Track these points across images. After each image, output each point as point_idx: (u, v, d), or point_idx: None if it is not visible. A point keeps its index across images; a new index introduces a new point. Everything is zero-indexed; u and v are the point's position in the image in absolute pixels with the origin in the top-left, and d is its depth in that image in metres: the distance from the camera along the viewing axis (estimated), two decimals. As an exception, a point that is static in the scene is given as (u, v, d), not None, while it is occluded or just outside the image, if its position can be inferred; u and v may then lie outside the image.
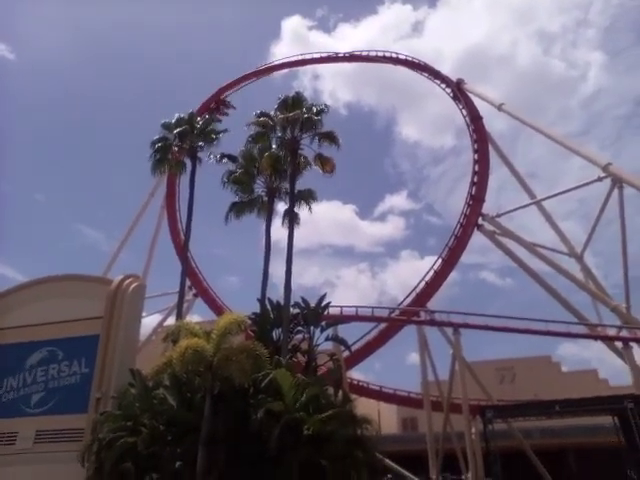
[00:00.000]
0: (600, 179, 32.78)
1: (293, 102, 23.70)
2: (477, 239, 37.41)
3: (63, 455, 15.87)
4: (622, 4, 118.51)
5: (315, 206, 24.03)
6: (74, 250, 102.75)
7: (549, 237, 39.15)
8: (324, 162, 23.00)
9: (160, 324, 35.28)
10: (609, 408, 25.79)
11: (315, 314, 22.38)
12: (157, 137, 25.19)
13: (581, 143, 37.07)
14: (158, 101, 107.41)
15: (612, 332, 31.71)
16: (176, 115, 25.93)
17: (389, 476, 23.95)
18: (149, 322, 39.11)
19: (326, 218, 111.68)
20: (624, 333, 30.95)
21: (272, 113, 23.95)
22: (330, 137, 23.02)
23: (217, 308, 36.08)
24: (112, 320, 18.10)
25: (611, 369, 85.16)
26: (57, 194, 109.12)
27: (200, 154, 25.16)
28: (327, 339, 23.22)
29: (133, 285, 19.25)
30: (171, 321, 27.77)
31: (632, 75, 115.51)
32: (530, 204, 38.87)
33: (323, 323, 22.74)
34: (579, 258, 36.83)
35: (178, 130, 24.95)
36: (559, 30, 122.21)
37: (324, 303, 23.22)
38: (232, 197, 24.40)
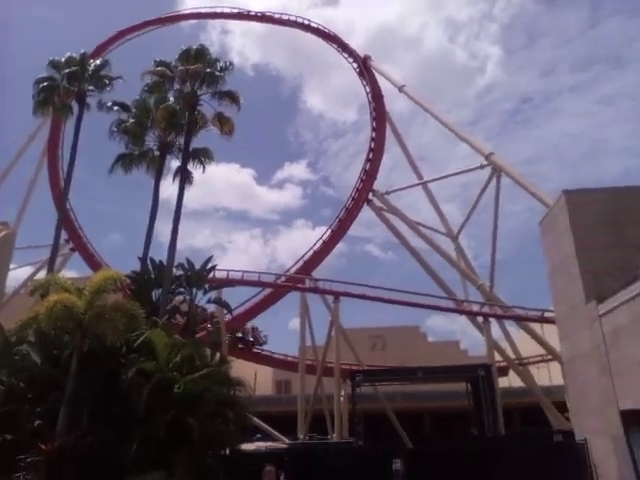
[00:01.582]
0: (482, 167, 35.42)
1: (196, 54, 22.77)
2: (366, 214, 39.18)
3: None
4: (522, 4, 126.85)
5: (211, 167, 23.57)
6: None
7: (431, 217, 42.01)
8: (223, 122, 22.49)
9: (31, 277, 32.85)
10: (464, 376, 28.55)
11: (199, 276, 22.29)
12: (43, 76, 23.09)
13: (470, 132, 39.62)
14: (56, 37, 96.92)
15: (475, 308, 35.09)
16: (67, 54, 23.85)
17: (258, 435, 24.95)
18: (20, 274, 36.38)
19: (223, 180, 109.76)
20: (485, 309, 34.41)
21: (173, 64, 22.88)
22: (232, 96, 22.48)
23: (95, 265, 34.40)
24: (-28, 268, 16.69)
25: (472, 341, 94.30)
26: None
27: (90, 100, 23.51)
28: (209, 302, 23.31)
29: (1, 233, 17.84)
30: (43, 275, 26.03)
31: (521, 74, 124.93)
32: (417, 185, 41.22)
33: (207, 286, 22.73)
34: (454, 238, 40.05)
35: (67, 71, 23.08)
36: (466, 20, 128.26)
37: (210, 266, 23.16)
38: (121, 149, 23.19)
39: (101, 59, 26.30)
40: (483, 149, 35.78)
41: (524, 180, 32.11)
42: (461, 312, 35.62)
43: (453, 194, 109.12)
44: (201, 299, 22.26)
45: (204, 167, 23.26)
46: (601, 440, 17.01)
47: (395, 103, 69.32)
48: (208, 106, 22.61)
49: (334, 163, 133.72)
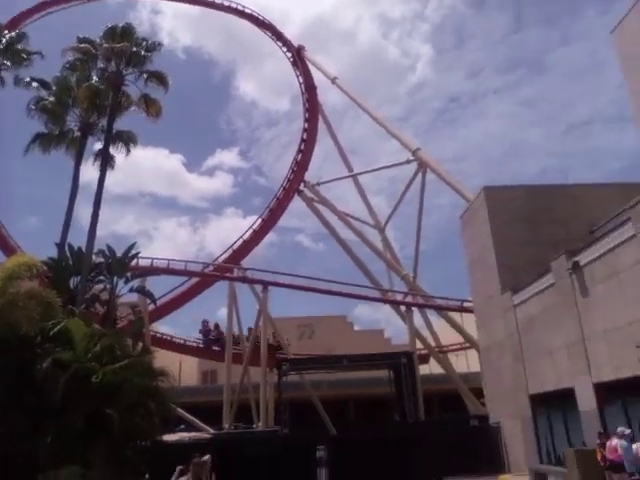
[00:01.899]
0: (409, 162, 36.61)
1: (122, 33, 21.77)
2: (297, 204, 39.36)
3: None
4: (453, 6, 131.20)
5: (138, 151, 22.84)
6: None
7: (360, 209, 42.88)
8: (150, 104, 21.65)
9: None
10: (387, 363, 29.52)
11: (121, 264, 21.43)
12: None
13: (400, 128, 40.73)
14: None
15: (399, 297, 36.36)
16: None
17: (182, 426, 24.52)
18: None
19: (150, 165, 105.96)
20: (408, 299, 35.73)
21: (97, 41, 21.76)
22: (159, 77, 21.68)
23: (9, 249, 32.23)
24: None
25: (396, 330, 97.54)
26: None
27: (5, 74, 21.81)
28: (132, 291, 22.48)
29: None
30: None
31: (450, 74, 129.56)
32: (347, 177, 41.93)
33: (129, 274, 21.91)
34: (381, 230, 41.18)
35: (-22, 41, 21.25)
36: (399, 18, 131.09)
37: (132, 253, 22.33)
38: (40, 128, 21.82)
39: (18, 31, 24.49)
40: (411, 145, 36.90)
41: (448, 176, 33.50)
42: (385, 301, 36.78)
43: (382, 187, 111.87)
44: (122, 288, 21.42)
45: (128, 150, 22.41)
46: (512, 422, 18.22)
47: (328, 95, 69.82)
48: (134, 87, 21.75)
49: (266, 152, 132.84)
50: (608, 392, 12.75)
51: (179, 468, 7.35)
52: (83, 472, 12.16)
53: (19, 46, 22.29)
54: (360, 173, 42.36)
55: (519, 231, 18.92)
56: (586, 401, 13.46)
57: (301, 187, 38.39)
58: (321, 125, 42.33)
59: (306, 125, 41.25)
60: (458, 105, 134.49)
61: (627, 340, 11.42)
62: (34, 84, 22.08)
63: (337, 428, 30.88)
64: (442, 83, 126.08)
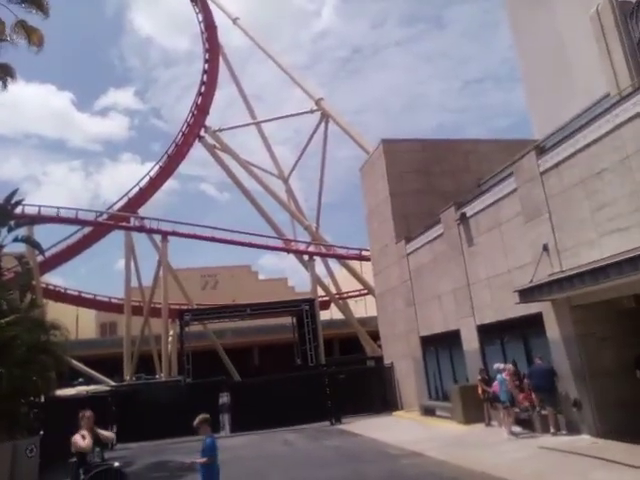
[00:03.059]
0: (312, 111, 36.48)
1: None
2: (200, 152, 38.02)
3: None
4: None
5: (21, 87, 20.57)
6: None
7: (264, 158, 42.40)
8: (29, 31, 19.30)
9: None
10: (290, 310, 30.27)
11: (3, 211, 19.59)
12: None
13: (304, 76, 40.13)
14: None
15: (302, 247, 37.06)
16: None
17: (80, 380, 23.72)
18: None
19: (35, 103, 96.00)
20: (311, 248, 36.55)
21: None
22: (36, 1, 19.39)
23: None
24: None
25: (299, 278, 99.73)
26: None
27: None
28: (16, 240, 20.73)
29: None
30: None
31: (354, 23, 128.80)
32: (250, 124, 41.01)
33: (12, 222, 20.13)
34: (285, 181, 41.20)
35: None
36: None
37: (16, 199, 20.47)
38: None
39: None
40: (314, 94, 36.70)
41: (350, 127, 33.98)
42: (289, 251, 37.38)
43: (287, 137, 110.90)
44: (6, 237, 19.67)
45: (5, 85, 20.05)
46: (404, 362, 19.67)
47: (230, 37, 66.72)
48: (8, 13, 19.29)
49: (165, 94, 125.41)
50: (489, 333, 14.13)
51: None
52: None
53: None
54: (264, 121, 41.62)
55: (413, 182, 19.79)
56: (470, 342, 14.82)
57: (202, 133, 36.97)
58: (224, 69, 40.70)
59: (206, 66, 39.35)
60: (361, 56, 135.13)
61: (506, 286, 12.61)
62: None
63: (241, 375, 31.50)
64: (347, 32, 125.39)
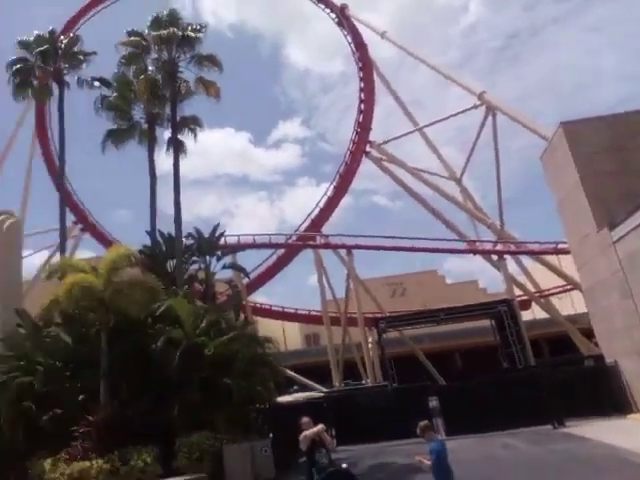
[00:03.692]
0: (476, 107, 34.61)
1: (168, 20, 21.98)
2: (368, 166, 38.67)
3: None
4: None
5: (206, 134, 23.29)
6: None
7: (432, 162, 41.39)
8: (207, 85, 21.90)
9: (47, 261, 32.88)
10: (487, 312, 28.73)
11: (210, 244, 22.20)
12: (15, 57, 22.39)
13: (460, 73, 38.61)
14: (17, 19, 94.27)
15: (488, 247, 34.99)
16: (35, 32, 23.06)
17: (295, 387, 25.34)
18: (37, 259, 36.30)
19: (220, 146, 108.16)
20: (499, 247, 34.32)
21: (146, 32, 22.14)
22: (211, 59, 21.87)
23: (107, 243, 34.36)
24: (-13, 261, 16.56)
25: (489, 279, 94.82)
26: None
27: (67, 78, 22.92)
28: (225, 267, 23.27)
29: (7, 222, 17.64)
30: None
31: (505, 10, 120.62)
32: (413, 131, 40.38)
33: (219, 252, 22.65)
34: (458, 181, 39.57)
35: (39, 50, 22.33)
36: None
37: (218, 232, 23.06)
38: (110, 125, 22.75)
39: (72, 35, 25.55)
40: (475, 89, 34.86)
41: (520, 116, 31.35)
42: (475, 252, 35.59)
43: (451, 137, 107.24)
44: (216, 266, 22.23)
45: (195, 135, 22.95)
46: (629, 360, 17.04)
47: (380, 50, 67.17)
48: (189, 73, 22.08)
49: (327, 118, 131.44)
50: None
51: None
52: (213, 435, 12.85)
53: (75, 49, 23.31)
54: (426, 126, 40.63)
55: (606, 162, 17.40)
56: None
57: (367, 148, 37.55)
58: (378, 82, 41.01)
59: (362, 84, 40.10)
60: (518, 41, 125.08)
61: None
62: (95, 83, 22.93)
63: (445, 379, 30.63)
64: (498, 20, 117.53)
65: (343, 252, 34.09)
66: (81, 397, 13.18)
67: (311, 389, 27.82)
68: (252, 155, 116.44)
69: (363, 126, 38.12)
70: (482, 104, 33.93)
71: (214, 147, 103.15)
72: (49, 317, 14.93)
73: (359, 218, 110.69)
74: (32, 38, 22.92)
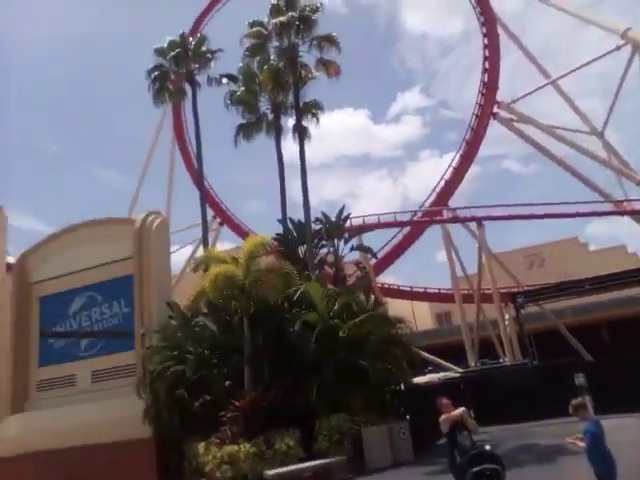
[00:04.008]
0: (619, 48, 30.82)
1: (286, 5, 22.31)
2: (496, 129, 36.40)
3: (121, 390, 16.90)
4: None
5: (326, 117, 23.60)
6: (97, 194, 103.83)
7: (568, 118, 37.76)
8: (327, 66, 21.98)
9: (192, 256, 35.99)
10: (638, 280, 25.86)
11: (336, 227, 22.57)
12: (152, 66, 24.33)
13: (596, 12, 34.35)
14: (149, 29, 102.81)
15: (639, 206, 31.32)
16: (167, 39, 24.80)
17: (429, 368, 25.13)
18: (183, 255, 39.83)
19: (340, 128, 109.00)
20: (653, 205, 30.58)
21: (266, 21, 22.75)
22: (329, 40, 21.84)
23: (243, 234, 36.43)
24: (142, 258, 18.37)
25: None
26: (70, 143, 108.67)
27: (198, 78, 24.34)
28: (352, 249, 23.58)
29: (156, 222, 19.39)
30: (202, 251, 28.58)
31: None
32: (546, 85, 37.09)
33: (346, 235, 22.98)
34: (600, 136, 35.67)
35: (172, 54, 23.93)
36: None
37: (344, 215, 23.34)
38: (240, 119, 23.94)
39: (198, 35, 27.07)
40: (617, 27, 30.84)
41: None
42: (622, 213, 32.09)
43: (589, 88, 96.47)
44: (343, 248, 22.61)
45: (317, 119, 23.27)
46: None
47: (502, 1, 62.38)
48: (309, 56, 22.27)
49: (447, 84, 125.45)
50: None
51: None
52: (350, 418, 13.24)
53: (203, 49, 24.67)
54: (560, 77, 36.90)
55: None
56: None
57: (495, 109, 35.21)
58: (502, 36, 38.04)
59: (486, 41, 37.42)
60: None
61: None
62: (224, 80, 24.19)
63: (591, 355, 28.29)
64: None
65: (473, 225, 32.61)
66: (227, 383, 14.19)
67: (446, 369, 27.35)
68: (372, 132, 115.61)
69: (489, 86, 35.80)
70: (626, 43, 30.13)
71: (333, 129, 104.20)
72: (196, 308, 16.19)
73: (488, 188, 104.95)
74: (166, 45, 24.67)
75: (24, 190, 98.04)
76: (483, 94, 36.05)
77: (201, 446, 13.16)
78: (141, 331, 17.34)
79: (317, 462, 11.85)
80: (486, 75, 36.27)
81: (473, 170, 65.68)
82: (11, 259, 21.57)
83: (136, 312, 17.97)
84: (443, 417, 6.95)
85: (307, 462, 11.97)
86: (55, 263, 19.99)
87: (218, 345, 15.30)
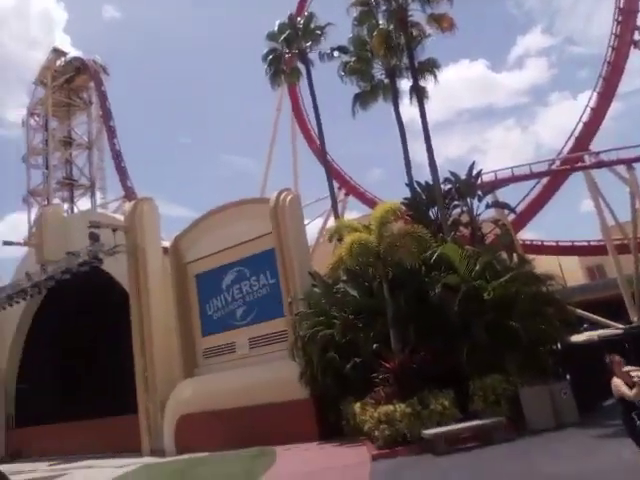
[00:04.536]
0: None
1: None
2: (637, 59, 32.11)
3: (276, 354, 18.45)
4: None
5: (442, 73, 22.62)
6: (225, 178, 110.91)
7: None
8: (440, 21, 20.91)
9: (323, 227, 37.14)
10: None
11: (468, 185, 21.69)
12: (266, 50, 25.20)
13: None
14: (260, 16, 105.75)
15: None
16: (277, 22, 25.51)
17: (585, 325, 23.42)
18: (314, 227, 41.34)
19: (457, 82, 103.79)
20: None
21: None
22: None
23: (369, 201, 36.60)
24: (280, 233, 19.51)
25: None
26: (198, 134, 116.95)
27: (310, 56, 24.81)
28: (487, 207, 22.58)
29: (288, 198, 20.36)
30: (332, 222, 29.40)
31: None
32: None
33: (479, 192, 22.03)
34: None
35: (283, 37, 24.68)
36: None
37: (475, 172, 22.34)
38: (355, 89, 23.92)
39: (306, 13, 27.33)
40: None
41: None
42: None
43: None
44: (478, 206, 21.72)
45: (435, 77, 22.51)
46: None
47: None
48: (418, 13, 21.37)
49: (573, 18, 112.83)
50: None
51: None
52: (505, 378, 12.94)
53: (311, 26, 24.96)
54: None
55: None
56: None
57: (636, 36, 31.06)
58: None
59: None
60: None
61: None
62: (335, 53, 24.35)
63: None
64: None
65: (621, 169, 29.48)
66: (375, 345, 14.62)
67: (603, 326, 25.31)
68: (493, 82, 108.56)
69: (627, 9, 31.53)
70: None
71: (451, 85, 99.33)
72: (336, 275, 16.79)
73: (636, 125, 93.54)
74: (276, 28, 25.31)
75: (164, 181, 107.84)
76: (619, 22, 31.84)
77: (357, 406, 13.79)
78: (288, 299, 18.49)
79: (476, 422, 11.79)
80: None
81: (615, 108, 58.79)
82: (166, 243, 23.84)
83: (282, 282, 19.18)
84: (615, 386, 6.56)
85: (464, 422, 11.96)
86: (204, 244, 21.93)
87: (361, 309, 15.79)
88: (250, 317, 20.15)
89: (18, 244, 30.46)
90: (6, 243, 27.75)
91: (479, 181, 23.46)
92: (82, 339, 25.66)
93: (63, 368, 28.15)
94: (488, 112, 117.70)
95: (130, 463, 18.30)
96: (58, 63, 47.47)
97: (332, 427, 15.51)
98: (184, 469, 14.85)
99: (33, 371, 29.24)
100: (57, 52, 48.26)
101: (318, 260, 22.57)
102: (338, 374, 15.03)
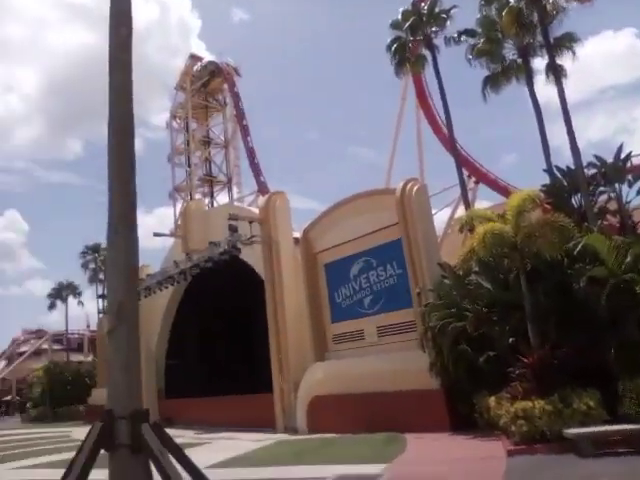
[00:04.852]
0: None
1: None
2: None
3: (405, 344, 18.48)
4: None
5: (581, 48, 21.10)
6: (351, 169, 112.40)
7: None
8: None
9: (451, 217, 36.17)
10: None
11: (616, 169, 19.84)
12: (390, 39, 25.00)
13: None
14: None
15: None
16: (400, 10, 25.14)
17: None
18: (442, 217, 40.41)
19: (599, 57, 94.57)
20: None
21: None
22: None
23: (501, 189, 34.79)
24: (407, 223, 19.40)
25: None
26: (323, 128, 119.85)
27: (435, 41, 24.30)
28: (639, 193, 20.47)
29: (415, 188, 20.15)
30: (461, 212, 28.54)
31: None
32: None
33: (629, 177, 20.05)
34: None
35: (408, 24, 24.31)
36: None
37: (623, 155, 20.34)
38: (484, 73, 22.99)
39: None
40: None
41: None
42: None
43: None
44: (628, 192, 19.77)
45: (574, 53, 20.94)
46: None
47: None
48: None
49: None
50: None
51: None
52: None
53: (436, 10, 24.40)
54: None
55: None
56: None
57: None
58: None
59: None
60: None
61: None
62: (462, 37, 23.40)
63: None
64: None
65: None
66: (511, 340, 14.09)
67: None
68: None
69: None
70: None
71: (592, 60, 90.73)
72: (467, 267, 16.32)
73: None
74: (400, 17, 25.00)
75: (294, 175, 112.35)
76: None
77: (492, 400, 13.42)
78: (417, 290, 18.42)
79: (629, 426, 10.84)
80: None
81: None
82: (296, 234, 24.94)
83: (409, 273, 19.16)
84: None
85: (613, 425, 11.11)
86: (332, 234, 22.56)
87: (495, 302, 15.25)
88: (377, 306, 20.37)
89: (166, 235, 33.93)
90: (156, 234, 31.13)
91: (628, 164, 21.36)
92: (221, 322, 27.88)
93: (205, 347, 30.83)
94: (638, 87, 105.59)
95: (266, 438, 19.57)
96: (195, 68, 51.01)
97: (463, 419, 15.25)
98: (317, 447, 15.60)
99: (179, 350, 32.46)
100: (194, 58, 51.96)
101: (446, 250, 22.16)
102: (470, 367, 14.77)
